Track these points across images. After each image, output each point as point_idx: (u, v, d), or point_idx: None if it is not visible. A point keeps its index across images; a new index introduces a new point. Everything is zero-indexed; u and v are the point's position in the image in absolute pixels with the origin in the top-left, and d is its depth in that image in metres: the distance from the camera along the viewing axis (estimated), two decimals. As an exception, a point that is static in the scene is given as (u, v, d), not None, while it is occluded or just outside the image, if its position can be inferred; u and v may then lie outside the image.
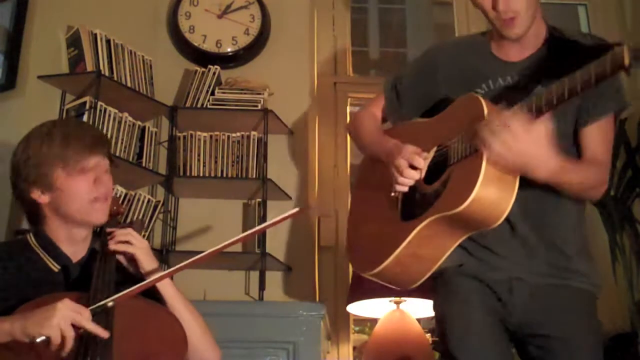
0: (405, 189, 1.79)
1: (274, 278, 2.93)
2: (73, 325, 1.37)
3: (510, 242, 1.76)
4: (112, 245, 1.65)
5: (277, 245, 2.95)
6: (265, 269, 2.86)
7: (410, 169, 1.76)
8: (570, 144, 1.78)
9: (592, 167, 1.72)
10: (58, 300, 1.43)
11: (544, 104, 1.50)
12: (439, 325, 1.88)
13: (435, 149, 1.79)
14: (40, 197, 1.63)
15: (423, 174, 1.78)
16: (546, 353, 1.73)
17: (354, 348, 3.44)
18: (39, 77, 2.84)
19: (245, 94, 3.08)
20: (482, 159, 1.57)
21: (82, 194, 1.61)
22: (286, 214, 1.56)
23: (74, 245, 1.67)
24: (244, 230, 3.03)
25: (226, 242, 1.59)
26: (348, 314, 3.17)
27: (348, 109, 3.60)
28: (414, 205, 1.77)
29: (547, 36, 1.82)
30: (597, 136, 1.75)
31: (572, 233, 1.80)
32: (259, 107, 3.05)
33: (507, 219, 1.65)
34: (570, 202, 1.78)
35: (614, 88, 1.78)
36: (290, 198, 3.06)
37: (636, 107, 3.51)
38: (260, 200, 2.97)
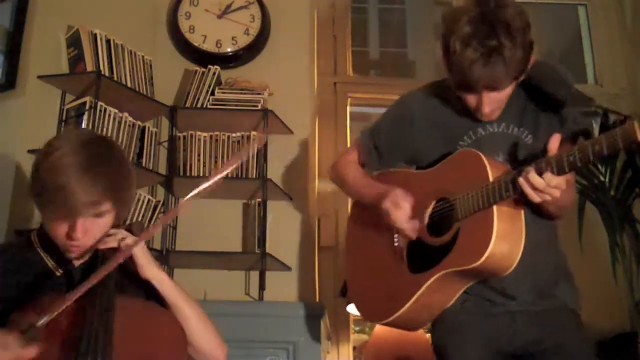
0: (411, 235, 1.84)
1: (274, 278, 2.92)
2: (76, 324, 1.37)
3: (503, 280, 1.80)
4: (101, 245, 1.61)
5: (277, 245, 2.95)
6: (265, 269, 2.86)
7: (403, 214, 1.81)
8: None
9: (569, 187, 1.77)
10: (52, 302, 1.42)
11: (556, 170, 1.57)
12: (438, 357, 1.92)
13: (435, 201, 1.85)
14: (36, 208, 1.61)
15: (425, 224, 1.84)
16: None
17: (354, 348, 3.44)
18: (39, 77, 2.84)
19: (245, 94, 3.08)
20: (493, 217, 1.67)
21: (57, 236, 1.56)
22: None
23: None
24: (244, 230, 3.04)
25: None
26: (348, 314, 3.17)
27: (348, 109, 3.60)
28: (422, 256, 1.83)
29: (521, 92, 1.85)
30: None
31: (555, 258, 1.89)
32: (259, 107, 3.04)
33: None
34: (549, 232, 1.89)
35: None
36: (291, 198, 3.06)
37: (636, 108, 3.52)
38: (260, 200, 2.97)
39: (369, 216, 1.98)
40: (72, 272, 1.63)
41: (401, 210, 1.82)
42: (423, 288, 1.79)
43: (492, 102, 1.72)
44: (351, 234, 2.15)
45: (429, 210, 1.84)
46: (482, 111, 1.74)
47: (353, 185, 2.05)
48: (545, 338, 1.81)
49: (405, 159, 2.03)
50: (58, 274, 1.61)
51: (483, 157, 1.74)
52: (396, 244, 1.91)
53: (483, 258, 1.66)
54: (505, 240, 1.68)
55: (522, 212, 1.71)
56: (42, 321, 1.38)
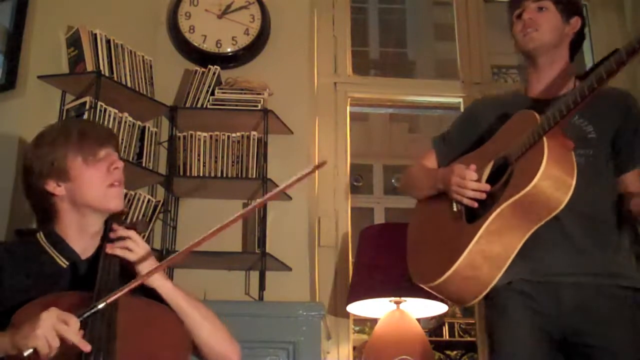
0: (481, 196, 1.89)
1: (274, 278, 2.93)
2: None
3: (558, 245, 1.85)
4: (109, 250, 1.65)
5: (277, 245, 2.95)
6: (265, 269, 2.86)
7: (471, 181, 1.90)
8: (612, 174, 1.99)
9: None
10: (60, 299, 1.43)
11: (586, 90, 1.68)
12: (489, 339, 1.98)
13: (492, 162, 1.93)
14: (56, 188, 1.67)
15: (483, 181, 1.92)
16: None
17: (354, 348, 3.44)
18: (39, 77, 2.84)
19: (245, 94, 3.08)
20: (543, 145, 1.74)
21: (98, 181, 1.67)
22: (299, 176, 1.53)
23: (85, 240, 1.69)
24: (244, 230, 3.04)
25: (226, 222, 1.55)
26: (348, 314, 3.17)
27: (348, 109, 3.60)
28: (479, 208, 1.89)
29: (573, 80, 2.02)
30: (636, 179, 1.99)
31: (615, 231, 1.92)
32: (259, 107, 3.04)
33: (557, 218, 1.79)
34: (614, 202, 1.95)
35: None
36: (290, 198, 3.06)
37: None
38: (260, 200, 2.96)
39: (428, 205, 2.10)
40: (78, 266, 1.66)
41: (467, 180, 1.92)
42: (482, 229, 1.81)
43: (532, 12, 2.02)
44: (413, 225, 2.24)
45: (487, 171, 1.93)
46: (524, 20, 2.03)
47: (417, 183, 2.21)
48: (592, 332, 1.81)
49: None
50: (64, 266, 1.64)
51: (533, 111, 1.86)
52: (455, 210, 1.98)
53: (536, 179, 1.71)
54: (556, 165, 1.74)
55: (572, 152, 1.79)
56: (100, 306, 1.41)
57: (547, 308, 1.86)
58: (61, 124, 1.78)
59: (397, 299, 2.93)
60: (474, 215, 1.90)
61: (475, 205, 1.89)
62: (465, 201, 1.91)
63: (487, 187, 1.88)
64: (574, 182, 1.74)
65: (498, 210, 1.80)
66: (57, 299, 1.47)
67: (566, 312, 1.84)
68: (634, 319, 1.84)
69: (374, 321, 3.23)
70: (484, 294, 1.89)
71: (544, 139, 1.76)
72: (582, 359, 1.84)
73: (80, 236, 1.68)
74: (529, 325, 1.86)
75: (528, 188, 1.73)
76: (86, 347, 1.36)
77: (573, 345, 1.85)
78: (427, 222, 2.14)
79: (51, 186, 1.67)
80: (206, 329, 1.65)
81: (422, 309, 3.03)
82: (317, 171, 1.51)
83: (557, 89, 2.02)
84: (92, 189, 1.66)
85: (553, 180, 1.73)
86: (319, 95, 3.53)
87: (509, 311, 1.89)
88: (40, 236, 1.69)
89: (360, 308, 3.05)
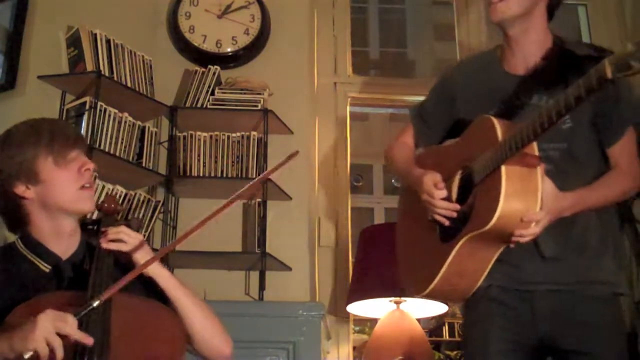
0: (451, 214, 1.84)
1: (274, 278, 2.93)
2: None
3: (530, 252, 1.80)
4: (104, 245, 1.64)
5: (277, 245, 2.95)
6: (265, 269, 2.86)
7: (439, 199, 1.84)
8: (597, 159, 1.86)
9: (612, 179, 1.81)
10: (50, 300, 1.42)
11: (546, 121, 1.57)
12: (462, 345, 2.01)
13: (460, 171, 1.86)
14: (25, 191, 1.61)
15: (454, 197, 1.86)
16: None
17: (354, 348, 3.45)
18: (39, 77, 2.84)
19: (245, 94, 3.08)
20: (501, 177, 1.67)
21: (69, 183, 1.63)
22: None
23: (62, 241, 1.65)
24: (244, 230, 3.04)
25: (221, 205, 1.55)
26: (348, 314, 3.17)
27: (348, 109, 3.60)
28: (452, 226, 1.85)
29: (551, 46, 1.89)
30: (620, 151, 1.84)
31: (596, 233, 1.84)
32: (259, 107, 3.05)
33: None
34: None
35: (629, 105, 1.83)
36: (291, 198, 3.07)
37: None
38: (260, 200, 2.97)
39: (411, 197, 2.02)
40: (61, 267, 1.63)
41: (436, 199, 1.85)
42: (451, 256, 1.80)
43: None
44: (399, 218, 2.19)
45: (455, 184, 1.87)
46: None
47: (397, 169, 2.14)
48: (569, 337, 1.78)
49: (450, 130, 2.06)
50: (47, 270, 1.62)
51: (493, 119, 1.77)
52: (430, 218, 1.93)
53: (494, 219, 1.66)
54: (516, 198, 1.67)
55: (538, 169, 1.69)
56: (96, 303, 1.39)
57: (522, 314, 1.82)
58: (29, 124, 1.68)
59: (397, 299, 2.93)
60: (448, 230, 1.86)
61: (447, 223, 1.84)
62: (436, 217, 1.86)
63: (457, 207, 1.83)
64: (539, 205, 1.67)
65: (462, 241, 1.77)
66: (51, 299, 1.46)
67: (542, 318, 1.80)
68: (612, 321, 1.81)
69: (374, 321, 3.24)
70: (470, 294, 1.89)
71: (502, 168, 1.67)
72: None
73: (58, 238, 1.65)
74: (503, 340, 1.82)
75: (487, 227, 1.69)
76: (89, 340, 1.34)
77: (550, 350, 1.83)
78: (410, 222, 2.09)
79: (20, 189, 1.61)
80: (200, 320, 1.65)
81: (422, 309, 3.04)
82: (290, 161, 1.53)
83: (534, 60, 1.87)
84: (63, 192, 1.62)
85: (515, 216, 1.67)
86: (319, 95, 3.53)
87: (483, 323, 1.86)
88: (18, 242, 1.66)
89: (360, 308, 3.05)
